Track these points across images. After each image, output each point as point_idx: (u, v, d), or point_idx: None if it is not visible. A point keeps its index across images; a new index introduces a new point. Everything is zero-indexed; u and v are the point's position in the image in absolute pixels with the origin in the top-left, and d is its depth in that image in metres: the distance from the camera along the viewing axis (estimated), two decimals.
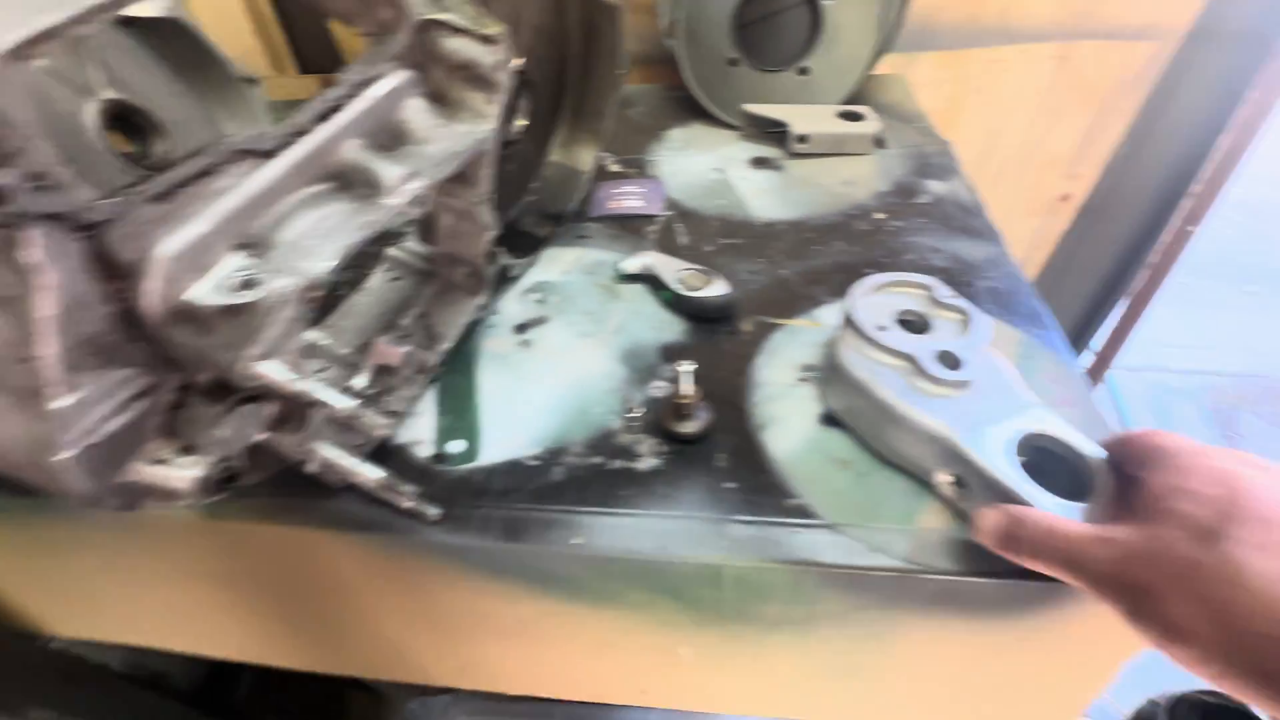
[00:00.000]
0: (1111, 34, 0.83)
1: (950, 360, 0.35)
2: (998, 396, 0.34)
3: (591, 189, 0.63)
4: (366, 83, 0.31)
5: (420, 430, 0.42)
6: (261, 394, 0.28)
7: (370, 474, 0.32)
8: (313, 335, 0.43)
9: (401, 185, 0.31)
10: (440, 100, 0.36)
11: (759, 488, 0.36)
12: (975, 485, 0.32)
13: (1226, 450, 0.28)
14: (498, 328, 0.49)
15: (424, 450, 0.41)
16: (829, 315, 0.47)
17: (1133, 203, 1.03)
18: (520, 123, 0.51)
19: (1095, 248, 1.11)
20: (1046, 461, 0.32)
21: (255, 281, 0.25)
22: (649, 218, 0.59)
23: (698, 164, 0.66)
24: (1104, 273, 1.17)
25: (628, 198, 0.61)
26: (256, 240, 0.27)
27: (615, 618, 0.39)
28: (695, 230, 0.57)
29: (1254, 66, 0.85)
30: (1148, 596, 0.25)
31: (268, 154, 0.26)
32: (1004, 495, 0.31)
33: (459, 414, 0.43)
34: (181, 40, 0.53)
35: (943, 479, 0.34)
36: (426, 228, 0.45)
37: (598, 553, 0.35)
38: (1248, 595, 0.23)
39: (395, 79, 0.32)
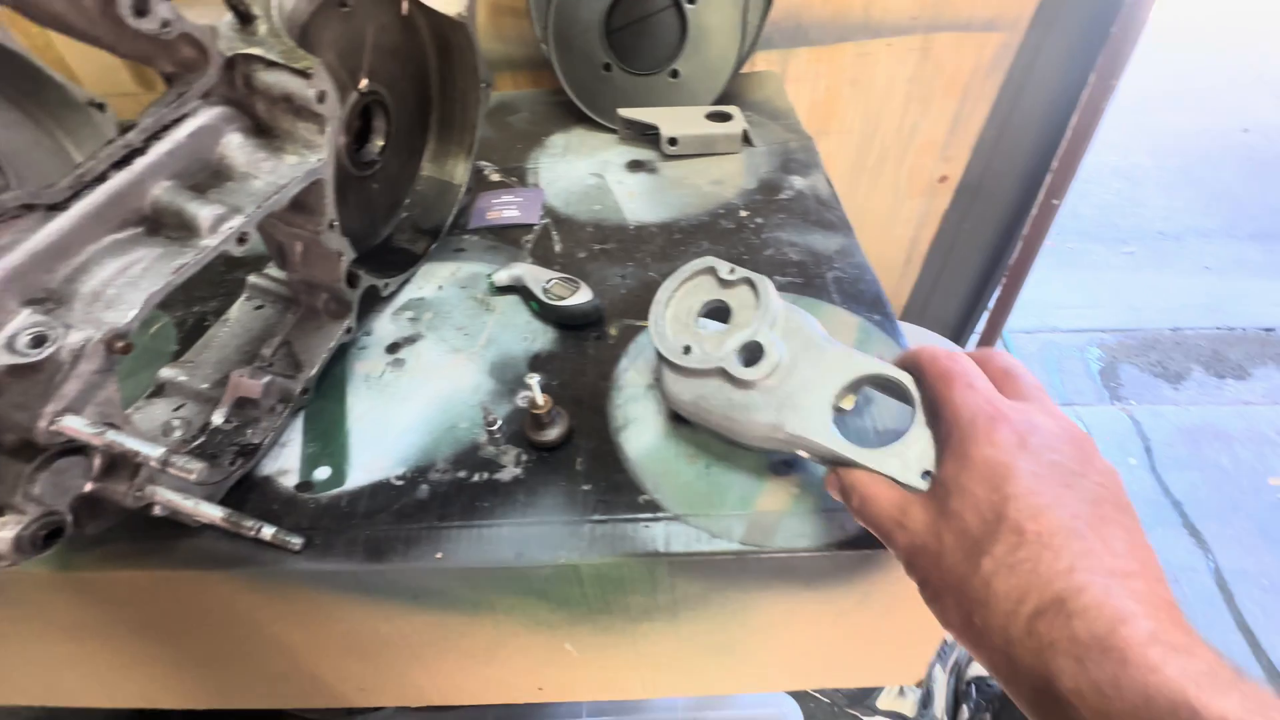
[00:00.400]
0: (965, 26, 0.89)
1: (752, 352, 0.35)
2: (805, 357, 0.35)
3: (471, 200, 0.63)
4: (173, 123, 0.31)
5: (287, 459, 0.42)
6: (77, 447, 0.28)
7: (211, 513, 0.32)
8: (168, 373, 0.43)
9: (218, 225, 0.31)
10: (266, 133, 0.36)
11: (614, 487, 0.39)
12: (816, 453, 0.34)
13: (996, 401, 0.27)
14: (369, 349, 0.49)
15: (290, 479, 0.41)
16: None
17: (1003, 181, 1.11)
18: (377, 144, 0.50)
19: (976, 223, 1.19)
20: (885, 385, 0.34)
21: (46, 337, 0.25)
22: (527, 227, 0.60)
23: (577, 169, 0.68)
24: (987, 246, 1.25)
25: (506, 208, 0.62)
26: (51, 294, 0.26)
27: (493, 623, 0.41)
28: (570, 237, 0.59)
29: (1093, 50, 0.93)
30: (926, 588, 0.27)
31: (54, 207, 0.26)
32: (835, 459, 0.32)
33: (326, 440, 0.43)
34: (8, 66, 0.50)
35: (800, 452, 0.35)
36: (281, 255, 0.45)
37: (459, 564, 0.36)
38: (991, 615, 0.24)
39: (205, 116, 0.32)
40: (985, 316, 1.34)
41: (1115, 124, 2.62)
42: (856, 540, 0.35)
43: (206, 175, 0.33)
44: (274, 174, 0.35)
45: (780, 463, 0.39)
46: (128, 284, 0.28)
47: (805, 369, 0.34)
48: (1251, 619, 1.24)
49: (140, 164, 0.29)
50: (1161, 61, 3.01)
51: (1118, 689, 0.20)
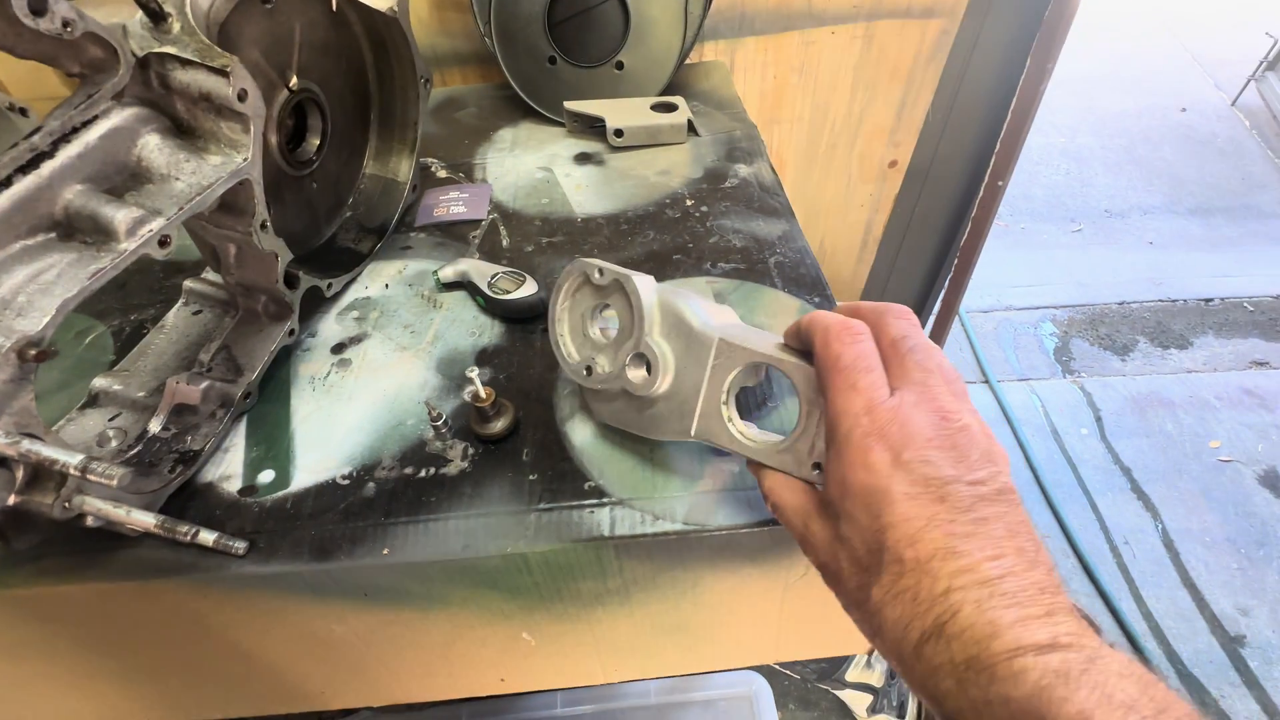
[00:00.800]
0: (905, 13, 0.91)
1: (639, 359, 0.35)
2: (688, 358, 0.34)
3: (418, 198, 0.63)
4: (83, 125, 0.30)
5: (230, 464, 0.42)
6: None
7: (144, 520, 0.32)
8: (102, 382, 0.42)
9: (136, 228, 0.30)
10: (188, 134, 0.36)
11: (560, 476, 0.39)
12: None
13: (876, 409, 0.26)
14: (314, 350, 0.49)
15: (233, 484, 0.41)
16: None
17: (951, 164, 1.14)
18: (314, 142, 0.50)
19: (927, 207, 1.22)
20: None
21: None
22: (474, 223, 0.60)
23: (525, 164, 0.68)
24: (940, 228, 1.28)
25: (453, 204, 0.62)
26: None
27: (447, 617, 0.41)
28: (518, 231, 0.59)
29: (1029, 35, 0.96)
30: (840, 599, 0.28)
31: None
32: (741, 454, 0.33)
33: (270, 443, 0.43)
34: None
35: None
36: (215, 258, 0.44)
37: (407, 559, 0.36)
38: (885, 641, 0.25)
39: (118, 118, 0.31)
40: (942, 296, 1.38)
41: (1062, 107, 2.70)
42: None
43: (124, 178, 0.32)
44: (197, 175, 0.34)
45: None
46: (39, 291, 0.27)
47: (692, 369, 0.34)
48: (1195, 574, 1.30)
49: (48, 168, 0.28)
50: (1104, 46, 3.11)
51: (989, 705, 0.21)
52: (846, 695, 1.01)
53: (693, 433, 0.34)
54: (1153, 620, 1.25)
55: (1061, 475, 1.48)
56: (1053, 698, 0.20)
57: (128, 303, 0.54)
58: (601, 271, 0.36)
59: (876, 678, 1.00)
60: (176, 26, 0.33)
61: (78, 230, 0.30)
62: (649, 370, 0.35)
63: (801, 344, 0.31)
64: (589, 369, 0.37)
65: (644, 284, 0.35)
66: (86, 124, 0.30)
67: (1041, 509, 1.42)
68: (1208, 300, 1.91)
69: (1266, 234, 2.11)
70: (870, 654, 0.99)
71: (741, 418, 0.33)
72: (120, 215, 0.30)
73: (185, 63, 0.33)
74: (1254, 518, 1.38)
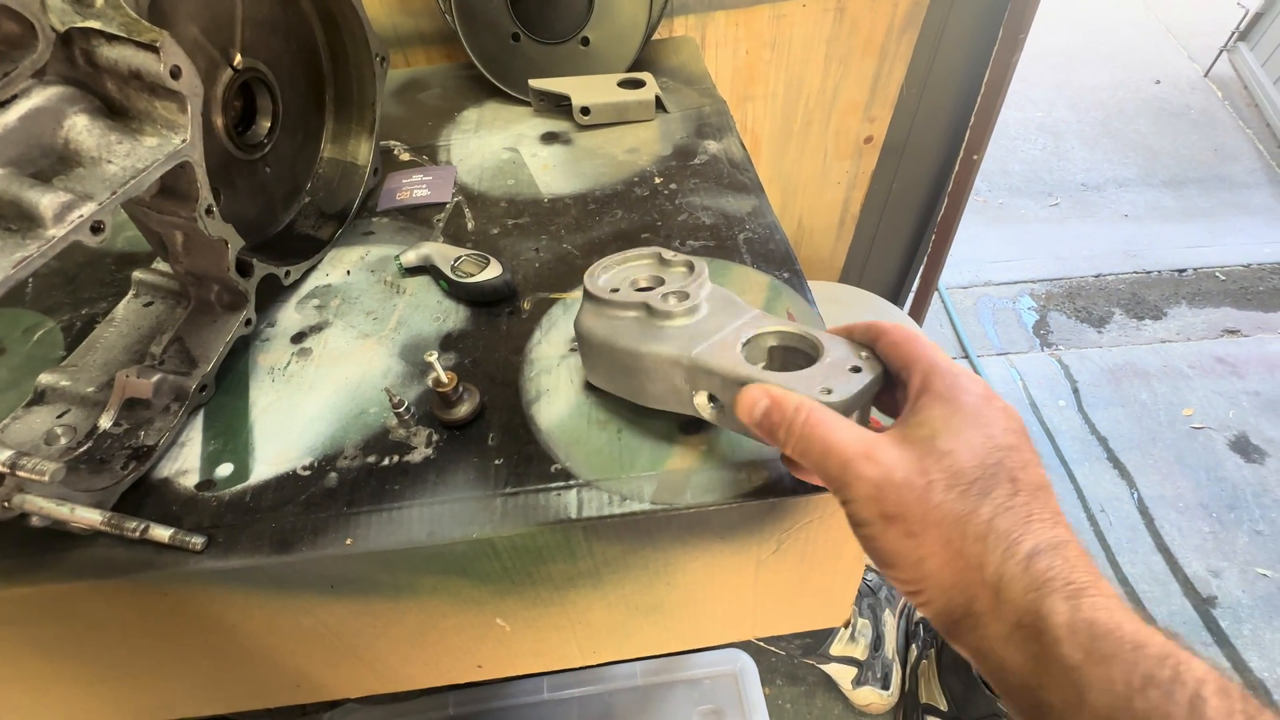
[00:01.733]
0: None
1: (679, 295, 0.37)
2: (723, 313, 0.36)
3: (380, 182, 0.61)
4: (0, 105, 0.29)
5: (187, 459, 0.41)
6: None
7: (89, 517, 0.31)
8: (48, 379, 0.40)
9: (64, 214, 0.29)
10: (120, 114, 0.34)
11: (526, 459, 0.38)
12: (724, 394, 0.33)
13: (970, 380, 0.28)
14: (273, 340, 0.48)
15: (190, 479, 0.39)
16: None
17: (926, 139, 1.13)
18: (264, 124, 0.48)
19: (904, 183, 1.22)
20: (791, 362, 0.34)
21: None
22: (438, 206, 0.59)
23: (490, 144, 0.66)
24: (917, 204, 1.28)
25: (416, 187, 0.60)
26: None
27: (418, 606, 0.41)
28: (483, 213, 0.57)
29: (1000, 6, 0.96)
30: (899, 523, 0.26)
31: None
32: (740, 381, 0.32)
33: (229, 436, 0.42)
34: None
35: (700, 401, 0.35)
36: (163, 247, 0.42)
37: (371, 548, 0.36)
38: (988, 551, 0.24)
39: (39, 97, 0.30)
40: (920, 272, 1.38)
41: (1039, 81, 2.70)
42: (762, 490, 0.36)
43: (50, 161, 0.31)
44: (131, 158, 0.33)
45: (689, 422, 0.39)
46: None
47: (721, 317, 0.36)
48: (1169, 539, 1.33)
49: None
50: (1080, 19, 3.11)
51: (1115, 625, 0.22)
52: (831, 669, 1.02)
53: (693, 353, 0.34)
54: (1129, 585, 1.28)
55: (1040, 447, 1.50)
56: (1184, 650, 0.22)
57: (78, 296, 0.52)
58: (675, 254, 0.40)
59: (860, 651, 1.02)
60: (100, 0, 0.31)
61: (1, 217, 0.28)
62: (682, 301, 0.37)
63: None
64: (615, 290, 0.39)
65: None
66: (4, 104, 0.29)
67: None
68: (1181, 271, 1.93)
69: (1237, 204, 2.13)
70: (852, 628, 1.00)
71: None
72: (46, 200, 0.28)
73: (111, 38, 0.31)
74: (1225, 482, 1.41)
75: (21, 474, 0.25)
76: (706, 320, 0.36)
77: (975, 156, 1.15)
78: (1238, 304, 1.82)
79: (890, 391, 0.32)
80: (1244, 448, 1.48)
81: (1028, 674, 0.23)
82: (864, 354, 0.32)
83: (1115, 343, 1.74)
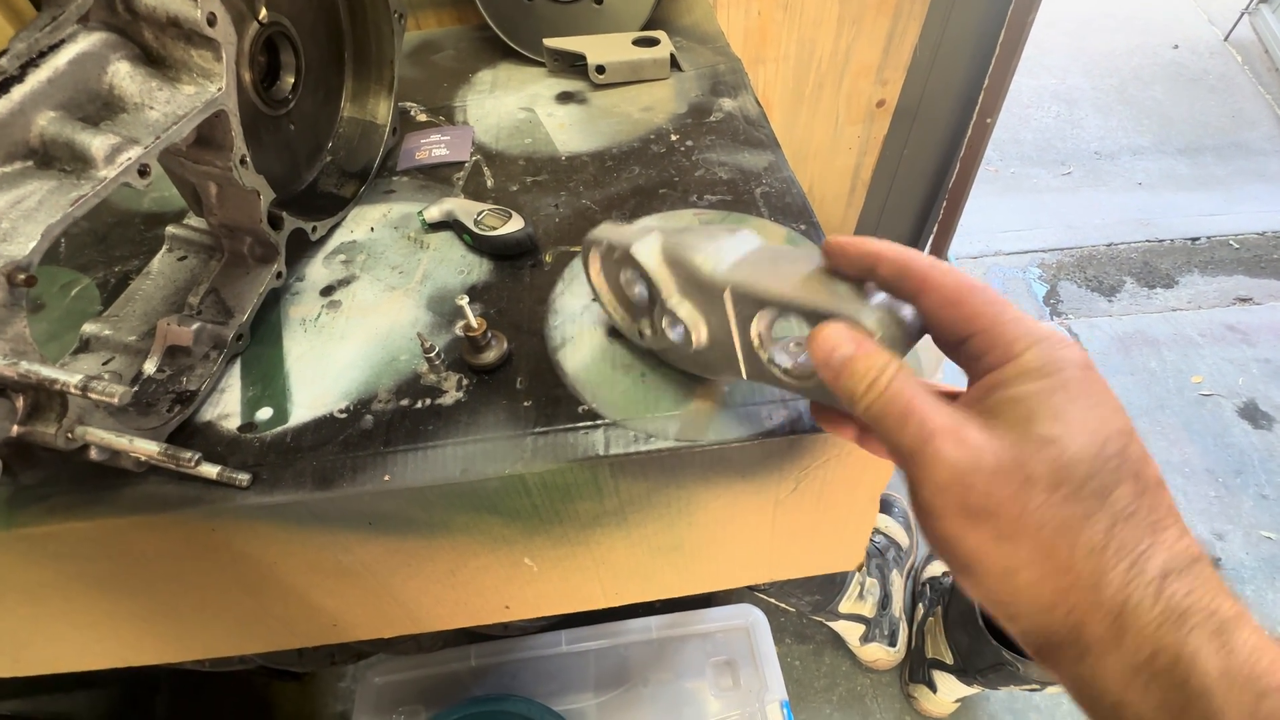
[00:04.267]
0: None
1: (673, 320, 0.34)
2: (712, 311, 0.33)
3: (398, 142, 0.62)
4: (50, 49, 0.30)
5: (228, 404, 0.42)
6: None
7: (147, 447, 0.33)
8: (92, 328, 0.42)
9: (114, 156, 0.30)
10: (159, 62, 0.35)
11: (554, 401, 0.40)
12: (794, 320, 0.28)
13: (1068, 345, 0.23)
14: (303, 294, 0.49)
15: (232, 422, 0.41)
16: None
17: (939, 102, 1.12)
18: (288, 80, 0.49)
19: (916, 148, 1.21)
20: None
21: None
22: (457, 165, 0.59)
23: (506, 104, 0.66)
24: (929, 170, 1.28)
25: (435, 147, 0.61)
26: None
27: (451, 544, 0.42)
28: (502, 172, 0.58)
29: None
30: (989, 522, 0.21)
31: None
32: (809, 311, 0.27)
33: (266, 383, 0.43)
34: None
35: (756, 332, 0.30)
36: (196, 200, 0.43)
37: (408, 484, 0.37)
38: (1108, 568, 0.20)
39: (85, 43, 0.31)
40: (931, 240, 1.38)
41: (1054, 48, 2.65)
42: (781, 428, 0.37)
43: (96, 107, 0.32)
44: (171, 104, 0.34)
45: None
46: (22, 217, 0.27)
47: (719, 319, 0.32)
48: (1176, 503, 1.35)
49: (18, 93, 0.28)
50: None
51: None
52: (839, 626, 1.05)
53: (744, 376, 0.33)
54: None
55: None
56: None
57: (110, 254, 0.54)
58: (611, 246, 0.35)
59: (868, 609, 1.04)
60: None
61: (55, 158, 0.29)
62: (685, 330, 0.33)
63: (855, 267, 0.27)
64: (641, 334, 0.38)
65: (646, 248, 0.33)
66: (54, 48, 0.30)
67: None
68: (1194, 239, 1.92)
69: (1254, 171, 2.10)
70: (860, 586, 1.03)
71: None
72: (98, 142, 0.29)
73: None
74: (1232, 448, 1.42)
75: (93, 395, 0.26)
76: (714, 330, 0.33)
77: (989, 120, 1.14)
78: (1251, 272, 1.81)
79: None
80: (1252, 414, 1.48)
81: None
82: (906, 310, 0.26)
83: (1125, 311, 1.74)
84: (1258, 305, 1.72)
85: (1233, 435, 1.45)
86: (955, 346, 0.25)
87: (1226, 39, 2.63)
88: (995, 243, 1.95)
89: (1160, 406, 1.51)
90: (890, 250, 0.26)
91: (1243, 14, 2.61)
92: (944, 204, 1.27)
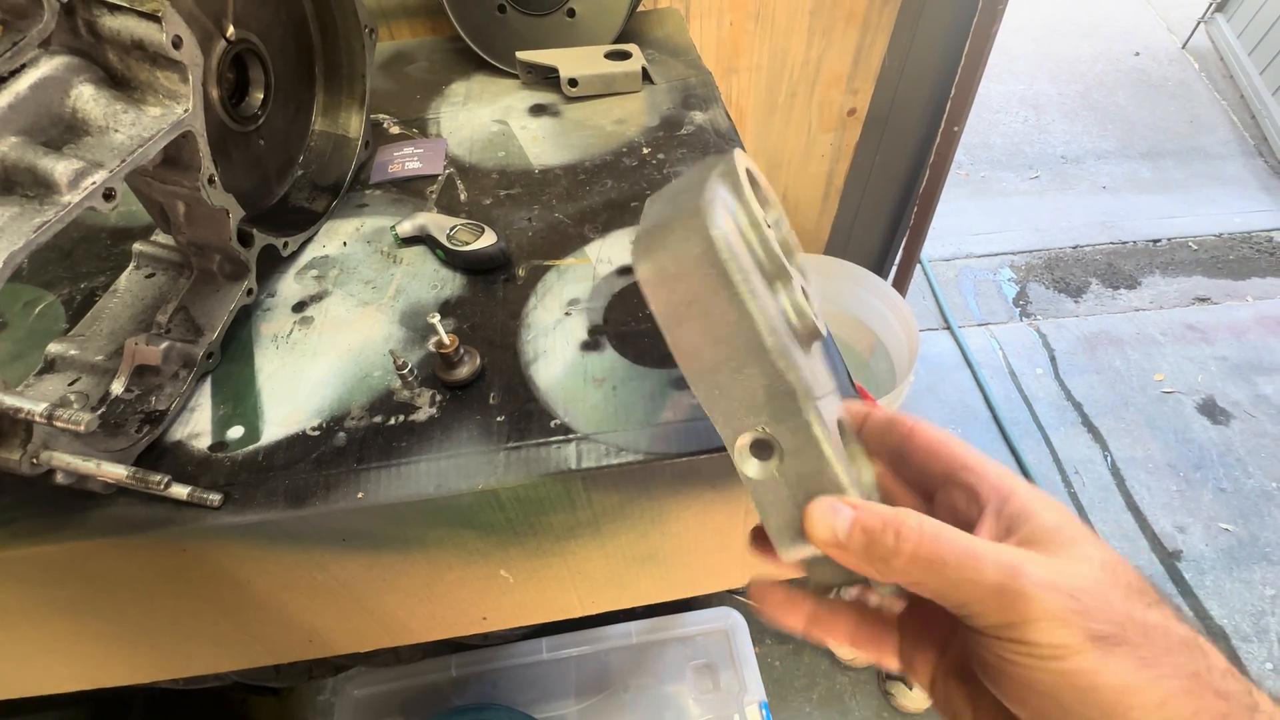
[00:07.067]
0: None
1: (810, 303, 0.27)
2: (823, 367, 0.29)
3: (371, 155, 0.62)
4: (11, 74, 0.29)
5: (198, 423, 0.42)
6: None
7: (115, 471, 0.33)
8: (57, 348, 0.41)
9: (78, 181, 0.30)
10: (123, 85, 0.35)
11: (526, 416, 0.40)
12: (791, 456, 0.25)
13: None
14: (275, 310, 0.49)
15: (203, 441, 0.41)
16: (595, 250, 0.51)
17: (908, 110, 1.15)
18: (257, 96, 0.49)
19: (887, 155, 1.24)
20: None
21: None
22: (430, 178, 0.60)
23: (479, 117, 0.67)
24: (900, 176, 1.30)
25: (408, 160, 0.61)
26: None
27: (426, 558, 0.43)
28: (475, 185, 0.59)
29: None
30: (1119, 650, 0.19)
31: None
32: (818, 476, 0.24)
33: (237, 401, 0.43)
34: None
35: (742, 443, 0.26)
36: (164, 218, 0.43)
37: (381, 501, 0.38)
38: (1205, 669, 0.19)
39: (47, 67, 0.31)
40: (903, 245, 1.41)
41: (1021, 54, 2.72)
42: None
43: (60, 130, 0.32)
44: (136, 127, 0.34)
45: (680, 378, 0.41)
46: None
47: (821, 369, 0.28)
48: (1139, 498, 1.39)
49: None
50: None
51: None
52: None
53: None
54: None
55: (1018, 413, 1.56)
56: None
57: (75, 271, 0.53)
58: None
59: None
60: None
61: (17, 184, 0.29)
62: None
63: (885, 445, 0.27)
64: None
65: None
66: (14, 73, 0.29)
67: (999, 446, 1.49)
68: (1155, 241, 1.98)
69: (1211, 174, 2.18)
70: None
71: None
72: (60, 167, 0.29)
73: (113, 8, 0.32)
74: (1192, 443, 1.47)
75: (58, 423, 0.26)
76: (816, 362, 0.28)
77: (956, 128, 1.17)
78: (1209, 273, 1.88)
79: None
80: (1211, 410, 1.54)
81: None
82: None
83: (1091, 312, 1.79)
84: (1215, 305, 1.78)
85: (1193, 431, 1.50)
86: (932, 492, 0.27)
87: (1184, 46, 2.72)
88: (967, 245, 2.00)
89: (1125, 404, 1.56)
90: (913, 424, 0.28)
91: (1199, 22, 2.70)
92: (915, 209, 1.29)
